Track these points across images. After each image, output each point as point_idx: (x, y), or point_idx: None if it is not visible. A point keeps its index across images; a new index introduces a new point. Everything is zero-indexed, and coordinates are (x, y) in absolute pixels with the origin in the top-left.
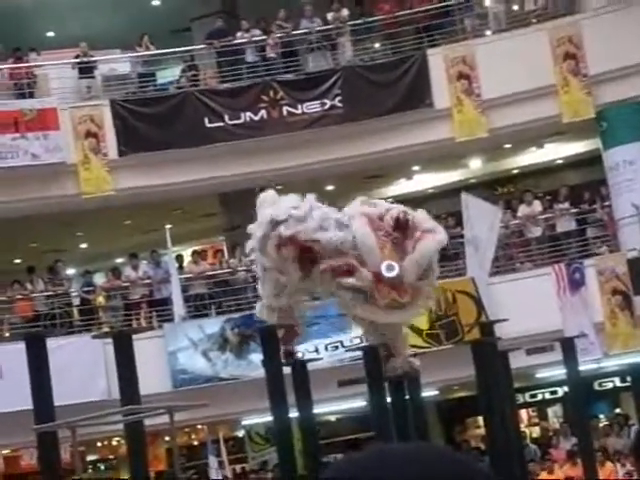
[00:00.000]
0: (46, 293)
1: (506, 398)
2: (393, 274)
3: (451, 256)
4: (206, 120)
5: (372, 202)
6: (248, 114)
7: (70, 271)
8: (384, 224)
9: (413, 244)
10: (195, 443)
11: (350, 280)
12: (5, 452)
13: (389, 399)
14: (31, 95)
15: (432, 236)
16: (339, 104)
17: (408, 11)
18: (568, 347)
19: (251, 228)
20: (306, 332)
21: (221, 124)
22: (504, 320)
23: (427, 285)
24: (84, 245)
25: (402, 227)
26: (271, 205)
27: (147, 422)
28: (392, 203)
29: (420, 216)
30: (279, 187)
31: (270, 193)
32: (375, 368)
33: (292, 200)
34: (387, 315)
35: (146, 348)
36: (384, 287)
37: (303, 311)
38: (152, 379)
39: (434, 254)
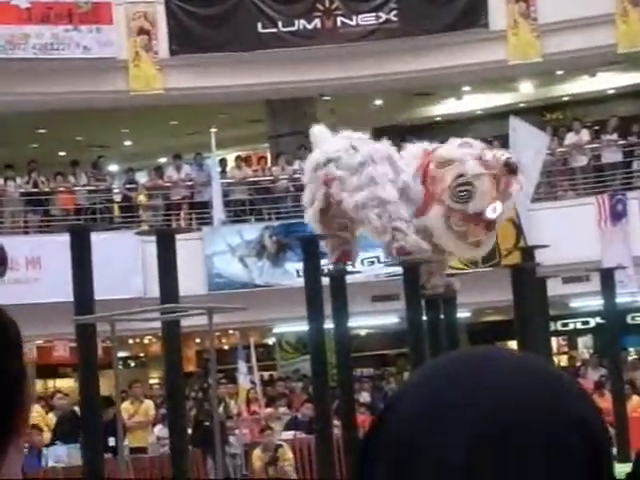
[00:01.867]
0: (88, 187)
1: (541, 324)
2: (495, 216)
3: None
4: (259, 25)
5: (468, 142)
6: (302, 22)
7: (113, 167)
8: (491, 165)
9: (504, 187)
10: (226, 347)
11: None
12: (39, 342)
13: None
14: None
15: (517, 185)
16: (394, 18)
17: None
18: (607, 278)
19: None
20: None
21: (274, 30)
22: (545, 246)
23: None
24: (128, 142)
25: (511, 171)
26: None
27: (181, 323)
28: (441, 122)
29: None
30: (327, 98)
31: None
32: (413, 285)
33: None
34: (470, 251)
35: (184, 249)
36: (478, 227)
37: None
38: (188, 281)
39: None
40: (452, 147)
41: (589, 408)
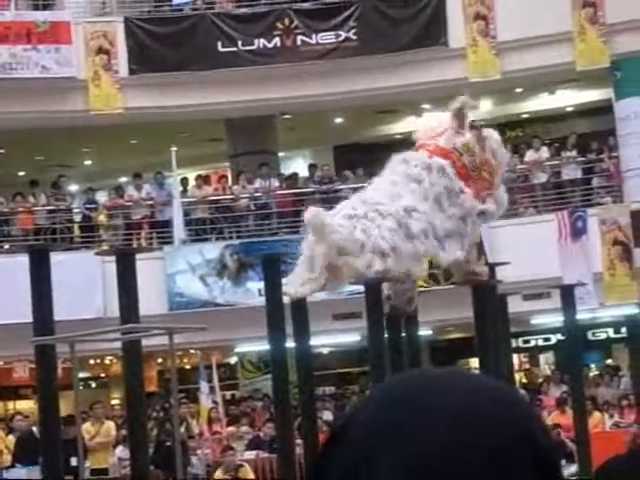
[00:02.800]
0: (48, 207)
1: (502, 341)
2: None
3: None
4: (219, 44)
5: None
6: (262, 41)
7: (73, 187)
8: None
9: None
10: (187, 367)
11: None
12: None
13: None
14: (45, 7)
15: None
16: (353, 37)
17: None
18: (567, 294)
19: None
20: None
21: (234, 49)
22: (506, 263)
23: None
24: (89, 162)
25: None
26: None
27: (142, 343)
28: (402, 139)
29: None
30: (287, 117)
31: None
32: (374, 303)
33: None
34: None
35: (145, 269)
36: None
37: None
38: (149, 300)
39: None
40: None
41: (537, 425)
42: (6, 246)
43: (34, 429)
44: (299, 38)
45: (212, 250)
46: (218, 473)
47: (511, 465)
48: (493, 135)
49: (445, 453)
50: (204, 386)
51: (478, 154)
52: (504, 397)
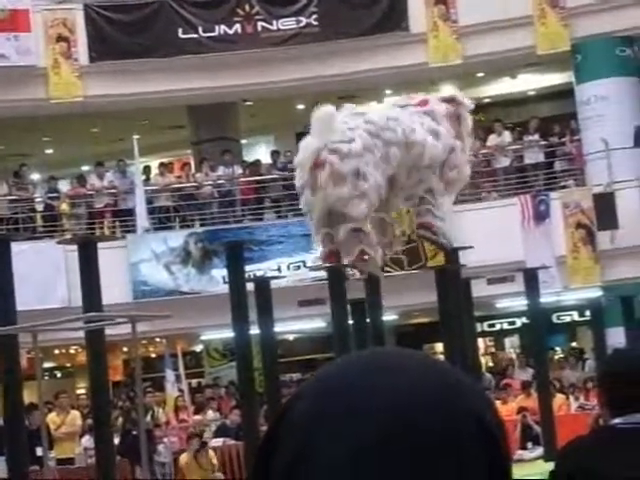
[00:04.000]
0: (10, 197)
1: (467, 325)
2: None
3: None
4: (180, 31)
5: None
6: (222, 27)
7: (35, 176)
8: None
9: None
10: (153, 356)
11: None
12: None
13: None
14: None
15: None
16: (314, 22)
17: None
18: (530, 278)
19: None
20: (269, 251)
21: (194, 36)
22: (469, 247)
23: None
24: (50, 151)
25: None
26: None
27: (107, 332)
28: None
29: None
30: (249, 103)
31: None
32: (338, 288)
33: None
34: None
35: (108, 258)
36: None
37: None
38: (113, 289)
39: None
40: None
41: (484, 404)
42: None
43: None
44: (260, 24)
45: (176, 238)
46: (183, 456)
47: (459, 447)
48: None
49: (390, 439)
50: (170, 374)
51: (456, 127)
52: (450, 378)
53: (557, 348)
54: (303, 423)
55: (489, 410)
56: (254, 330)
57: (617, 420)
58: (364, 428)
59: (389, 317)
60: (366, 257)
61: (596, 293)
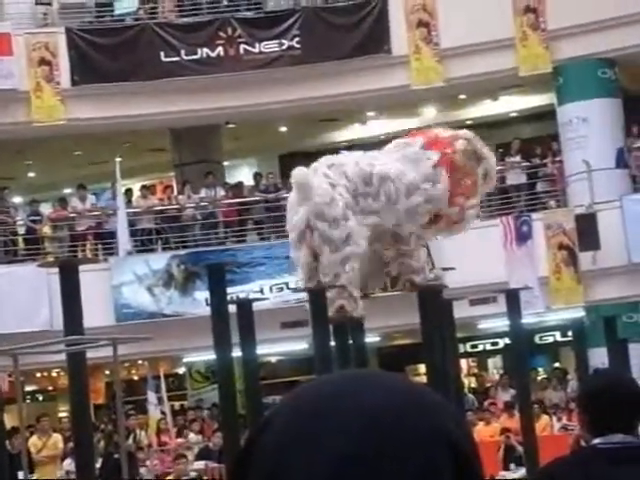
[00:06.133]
0: None
1: (448, 347)
2: None
3: None
4: (162, 54)
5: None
6: (205, 50)
7: (17, 199)
8: None
9: None
10: (135, 378)
11: None
12: None
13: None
14: None
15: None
16: (297, 45)
17: None
18: (512, 299)
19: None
20: (252, 272)
21: (177, 59)
22: (451, 269)
23: None
24: (32, 174)
25: None
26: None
27: (89, 355)
28: (346, 148)
29: None
30: (232, 126)
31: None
32: (320, 310)
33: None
34: None
35: (91, 281)
36: None
37: None
38: (95, 312)
39: None
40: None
41: (454, 423)
42: None
43: None
44: (242, 47)
45: (158, 260)
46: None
47: (431, 470)
48: (492, 158)
49: (358, 460)
50: (152, 397)
51: (471, 163)
52: (423, 400)
53: (540, 369)
54: (273, 447)
55: (460, 429)
56: (236, 352)
57: (597, 440)
58: (334, 450)
59: (371, 339)
60: (346, 311)
61: (578, 313)
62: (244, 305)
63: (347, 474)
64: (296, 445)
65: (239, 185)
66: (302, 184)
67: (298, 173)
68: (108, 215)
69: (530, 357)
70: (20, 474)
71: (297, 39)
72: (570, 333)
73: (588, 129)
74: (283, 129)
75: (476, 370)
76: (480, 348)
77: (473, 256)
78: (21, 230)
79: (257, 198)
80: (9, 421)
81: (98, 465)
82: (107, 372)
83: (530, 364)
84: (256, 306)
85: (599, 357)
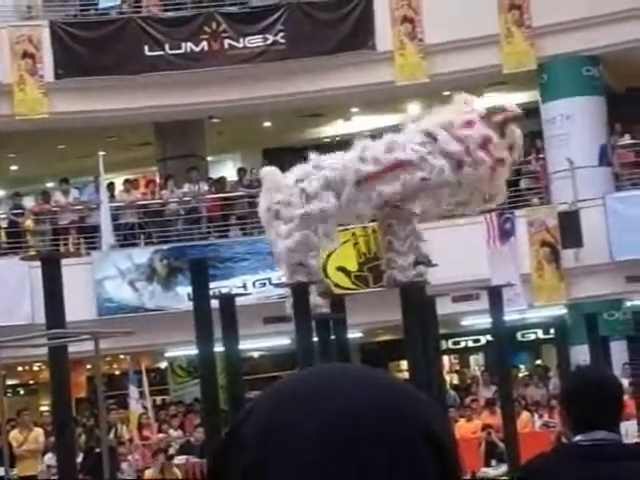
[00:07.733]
0: None
1: (431, 343)
2: None
3: None
4: (146, 48)
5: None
6: (189, 44)
7: None
8: None
9: None
10: (117, 372)
11: None
12: None
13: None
14: None
15: None
16: (281, 40)
17: None
18: (494, 296)
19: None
20: (234, 268)
21: (161, 53)
22: (434, 265)
23: None
24: (15, 167)
25: None
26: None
27: (70, 349)
28: (331, 142)
29: None
30: (215, 120)
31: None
32: (302, 306)
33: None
34: None
35: (73, 275)
36: None
37: None
38: (78, 306)
39: None
40: None
41: (433, 415)
42: None
43: None
44: (226, 42)
45: (141, 255)
46: (149, 472)
47: (410, 461)
48: (516, 131)
49: (338, 453)
50: (134, 391)
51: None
52: (403, 393)
53: (522, 366)
54: (254, 437)
55: (438, 420)
56: (219, 347)
57: (579, 437)
58: (313, 442)
59: (354, 335)
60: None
61: (561, 311)
62: (227, 300)
63: (327, 460)
64: (277, 434)
65: (222, 180)
66: (270, 179)
67: (267, 171)
68: (91, 209)
69: (512, 354)
70: (0, 469)
71: (281, 34)
72: (552, 330)
73: (572, 126)
74: (267, 124)
75: (458, 367)
76: (462, 345)
77: (456, 253)
78: (3, 223)
79: (240, 193)
80: None
81: (79, 460)
82: (89, 366)
83: (512, 361)
84: (239, 301)
85: (581, 354)
